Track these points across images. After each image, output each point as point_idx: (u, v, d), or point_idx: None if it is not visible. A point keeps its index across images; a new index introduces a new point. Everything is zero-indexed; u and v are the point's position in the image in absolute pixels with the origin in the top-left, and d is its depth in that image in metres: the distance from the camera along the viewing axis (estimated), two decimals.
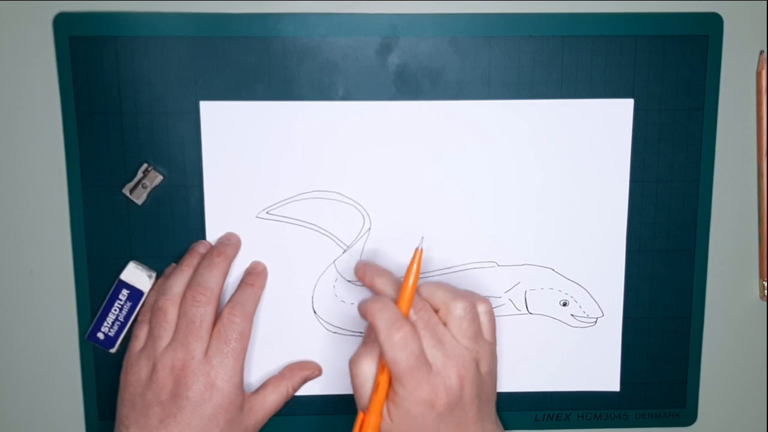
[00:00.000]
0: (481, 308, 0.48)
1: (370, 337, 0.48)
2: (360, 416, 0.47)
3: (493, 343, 0.48)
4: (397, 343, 0.44)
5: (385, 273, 0.50)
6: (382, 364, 0.46)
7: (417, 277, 0.47)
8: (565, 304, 0.56)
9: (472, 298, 0.47)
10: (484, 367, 0.47)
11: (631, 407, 0.57)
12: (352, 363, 0.47)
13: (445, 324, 0.47)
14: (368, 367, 0.47)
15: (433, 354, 0.45)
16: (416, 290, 0.47)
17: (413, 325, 0.46)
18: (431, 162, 0.53)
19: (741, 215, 0.56)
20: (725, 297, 0.57)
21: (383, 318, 0.45)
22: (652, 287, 0.56)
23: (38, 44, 0.52)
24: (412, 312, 0.46)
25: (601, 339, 0.56)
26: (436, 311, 0.47)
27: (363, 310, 0.46)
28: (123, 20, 0.51)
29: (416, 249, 0.47)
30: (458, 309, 0.46)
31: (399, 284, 0.48)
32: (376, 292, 0.49)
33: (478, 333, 0.47)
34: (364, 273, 0.50)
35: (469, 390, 0.46)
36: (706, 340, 0.57)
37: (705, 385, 0.57)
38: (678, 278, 0.56)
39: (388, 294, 0.48)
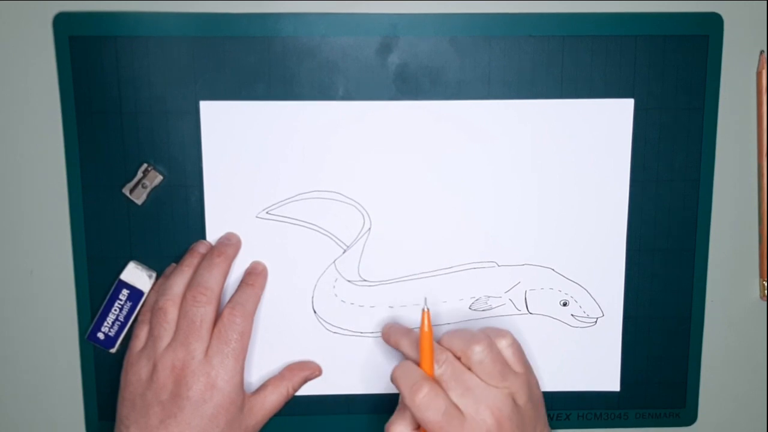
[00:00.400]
0: (503, 343, 0.48)
1: (403, 402, 0.48)
2: None
3: (524, 373, 0.48)
4: (420, 403, 0.46)
5: (408, 333, 0.51)
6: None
7: (431, 336, 0.48)
8: (565, 304, 0.56)
9: (488, 339, 0.48)
10: (521, 400, 0.47)
11: (631, 407, 0.57)
12: (387, 429, 0.48)
13: (470, 369, 0.47)
14: (404, 431, 0.48)
15: (464, 402, 0.46)
16: (438, 342, 0.49)
17: (438, 381, 0.47)
18: (431, 162, 0.53)
19: (741, 215, 0.56)
20: (725, 297, 0.57)
21: (405, 381, 0.47)
22: (652, 287, 0.56)
23: (38, 44, 0.52)
24: (436, 367, 0.47)
25: (601, 339, 0.56)
26: (459, 358, 0.48)
27: (391, 377, 0.48)
28: (123, 20, 0.51)
29: (423, 310, 0.48)
30: (476, 354, 0.47)
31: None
32: (402, 353, 0.51)
33: (504, 370, 0.47)
34: (389, 335, 0.52)
35: (508, 426, 0.46)
36: (706, 340, 0.57)
37: (705, 385, 0.57)
38: (678, 278, 0.56)
39: (412, 355, 0.49)
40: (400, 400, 0.48)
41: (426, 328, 0.48)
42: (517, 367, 0.48)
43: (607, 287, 0.55)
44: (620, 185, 0.54)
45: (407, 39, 0.52)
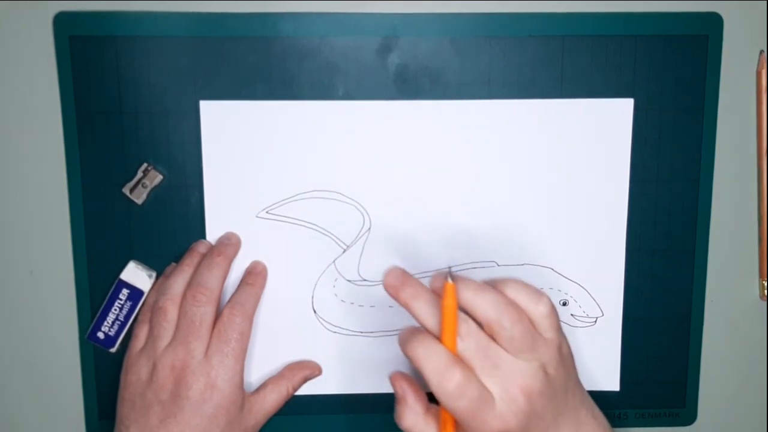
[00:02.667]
0: (540, 311, 0.43)
1: (407, 391, 0.44)
2: None
3: (554, 339, 0.43)
4: (452, 393, 0.41)
5: (424, 294, 0.44)
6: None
7: (456, 311, 0.42)
8: (565, 304, 0.56)
9: (517, 312, 0.42)
10: (552, 368, 0.43)
11: (631, 407, 0.57)
12: (398, 422, 0.44)
13: (494, 339, 0.42)
14: (418, 420, 0.44)
15: (492, 382, 0.42)
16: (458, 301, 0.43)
17: (465, 360, 0.42)
18: (431, 162, 0.53)
19: (741, 215, 0.56)
20: (725, 297, 0.57)
21: (432, 366, 0.41)
22: (652, 287, 0.56)
23: (38, 44, 0.52)
24: (459, 340, 0.42)
25: (601, 339, 0.56)
26: (481, 325, 0.43)
27: (407, 352, 0.42)
28: (123, 20, 0.51)
29: (446, 283, 0.42)
30: (506, 330, 0.42)
31: (438, 308, 0.43)
32: (414, 317, 0.44)
33: (535, 342, 0.42)
34: (398, 290, 0.44)
35: (540, 401, 0.42)
36: (706, 340, 0.57)
37: (705, 385, 0.57)
38: (678, 278, 0.56)
39: (430, 325, 0.43)
40: (400, 385, 0.44)
41: (450, 302, 0.42)
42: (549, 334, 0.43)
43: (606, 287, 0.55)
44: (620, 185, 0.54)
45: (407, 39, 0.52)
